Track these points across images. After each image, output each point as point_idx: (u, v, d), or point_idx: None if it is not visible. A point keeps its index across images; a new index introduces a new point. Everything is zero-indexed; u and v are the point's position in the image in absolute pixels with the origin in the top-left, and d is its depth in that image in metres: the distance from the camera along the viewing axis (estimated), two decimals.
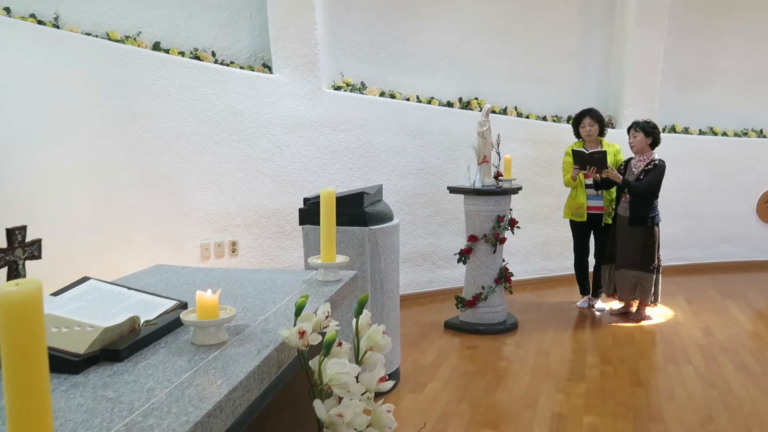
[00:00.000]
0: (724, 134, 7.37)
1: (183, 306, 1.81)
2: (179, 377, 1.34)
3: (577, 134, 5.50)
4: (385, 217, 3.81)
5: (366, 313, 1.75)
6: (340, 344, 1.66)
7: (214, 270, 2.50)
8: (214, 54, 5.03)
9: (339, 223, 3.69)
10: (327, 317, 1.66)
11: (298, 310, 1.62)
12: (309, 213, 3.72)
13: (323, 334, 1.60)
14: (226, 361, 1.45)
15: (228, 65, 5.01)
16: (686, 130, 7.28)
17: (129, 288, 1.92)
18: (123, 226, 4.36)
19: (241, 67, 5.08)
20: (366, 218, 3.64)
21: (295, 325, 1.62)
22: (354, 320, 1.78)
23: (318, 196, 3.93)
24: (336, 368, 1.57)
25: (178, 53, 4.80)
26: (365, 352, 1.70)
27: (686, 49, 7.17)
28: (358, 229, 3.64)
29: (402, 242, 5.73)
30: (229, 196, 4.88)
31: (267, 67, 5.17)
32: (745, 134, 7.43)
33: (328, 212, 2.33)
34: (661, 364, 4.31)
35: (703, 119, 7.39)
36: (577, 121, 5.47)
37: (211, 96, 4.73)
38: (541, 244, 6.61)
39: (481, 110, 5.09)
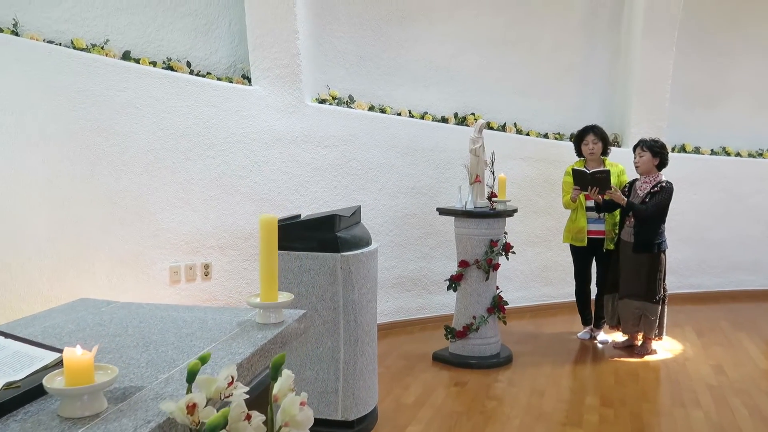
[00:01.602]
0: (737, 154, 6.99)
1: None
2: None
3: (579, 152, 5.15)
4: (361, 242, 3.45)
5: (287, 376, 1.39)
6: (248, 417, 1.30)
7: (143, 306, 2.15)
8: (189, 64, 4.72)
9: (308, 248, 3.37)
10: (231, 383, 1.30)
11: (190, 376, 1.26)
12: (278, 237, 3.36)
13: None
14: None
15: (204, 76, 4.69)
16: (697, 150, 6.90)
17: (6, 335, 1.58)
18: (83, 247, 4.03)
19: (219, 79, 4.76)
20: (338, 244, 3.29)
21: (188, 392, 1.27)
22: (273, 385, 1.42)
23: (292, 217, 3.61)
24: None
25: (150, 63, 4.49)
26: (279, 428, 1.34)
27: (697, 65, 6.81)
28: (330, 255, 3.29)
29: (391, 266, 5.39)
30: (201, 215, 4.54)
31: (247, 79, 4.86)
32: (760, 155, 7.04)
33: (268, 243, 1.98)
34: (667, 407, 3.90)
35: (714, 138, 7.01)
36: (579, 138, 5.12)
37: (183, 108, 4.42)
38: (541, 269, 6.22)
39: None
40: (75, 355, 1.24)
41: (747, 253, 6.95)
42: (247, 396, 1.29)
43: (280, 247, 3.35)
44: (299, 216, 3.69)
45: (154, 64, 4.52)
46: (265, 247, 1.97)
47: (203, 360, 1.31)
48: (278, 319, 1.97)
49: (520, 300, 6.09)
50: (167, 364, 1.57)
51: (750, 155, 7.02)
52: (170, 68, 4.58)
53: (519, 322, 5.75)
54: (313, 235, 3.33)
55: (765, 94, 7.01)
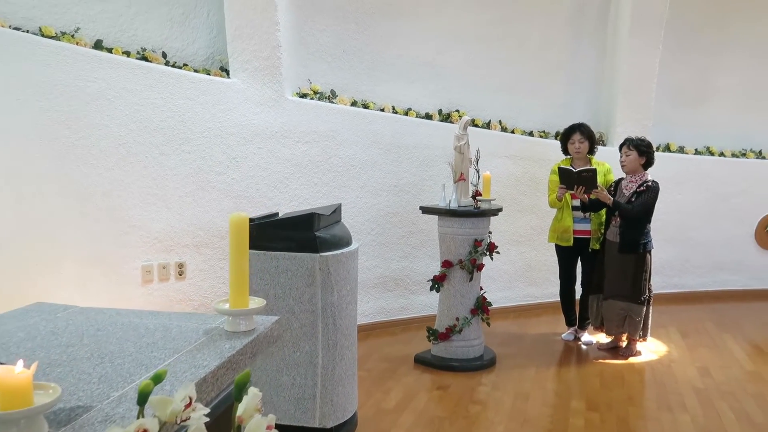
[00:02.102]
0: (722, 154, 6.95)
1: None
2: None
3: (565, 150, 5.06)
4: (341, 241, 3.32)
5: (253, 395, 1.26)
6: None
7: (103, 312, 2.00)
8: (165, 55, 4.55)
9: (286, 248, 3.22)
10: (189, 404, 1.16)
11: (141, 398, 1.12)
12: (252, 236, 3.21)
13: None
14: None
15: (181, 68, 4.52)
16: (681, 150, 6.85)
17: None
18: (49, 246, 3.84)
19: (196, 71, 4.60)
20: (317, 243, 3.15)
21: (140, 415, 1.14)
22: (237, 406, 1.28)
23: (269, 216, 3.46)
24: None
25: (123, 53, 4.31)
26: None
27: (682, 64, 6.76)
28: (308, 256, 3.15)
29: (373, 265, 5.26)
30: (176, 212, 4.38)
31: (225, 71, 4.70)
32: (744, 155, 7.01)
33: (238, 244, 1.85)
34: (653, 411, 3.81)
35: (699, 138, 6.97)
36: (566, 137, 5.02)
37: (157, 101, 4.24)
38: (525, 269, 6.13)
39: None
40: (11, 373, 1.09)
41: (731, 253, 6.91)
42: (207, 419, 1.16)
43: (257, 247, 3.25)
44: (277, 214, 3.55)
45: (127, 54, 4.35)
46: (235, 248, 1.84)
47: (157, 379, 1.17)
48: (249, 327, 1.83)
49: (504, 300, 5.99)
50: (122, 380, 1.42)
51: (734, 155, 6.98)
52: (145, 59, 4.41)
53: (503, 323, 5.65)
54: (290, 235, 3.19)
55: (749, 93, 6.98)
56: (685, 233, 6.75)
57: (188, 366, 1.52)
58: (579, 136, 4.92)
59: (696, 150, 6.90)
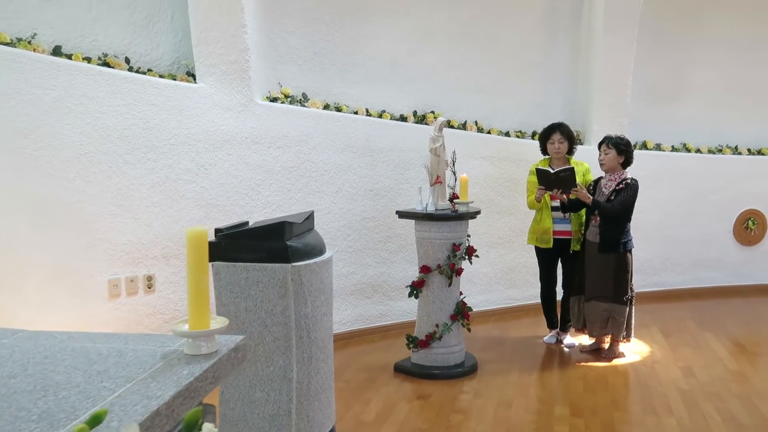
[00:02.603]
0: (698, 151, 6.94)
1: None
2: None
3: (544, 150, 4.98)
4: (314, 250, 3.19)
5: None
6: None
7: (54, 336, 1.85)
8: (128, 60, 4.39)
9: (256, 259, 3.08)
10: None
11: None
12: (220, 247, 3.08)
13: None
14: None
15: (145, 73, 4.36)
16: (658, 147, 6.83)
17: None
18: (9, 263, 3.66)
19: (161, 76, 4.44)
20: (288, 253, 3.01)
21: None
22: None
23: (238, 225, 3.32)
24: None
25: (83, 59, 4.14)
26: None
27: (657, 60, 6.74)
28: (279, 266, 3.02)
29: (349, 272, 5.14)
30: (143, 223, 4.21)
31: (192, 76, 4.54)
32: (720, 151, 7.01)
33: (197, 260, 1.71)
34: (638, 415, 3.73)
35: (675, 135, 6.96)
36: (545, 137, 4.94)
37: (120, 108, 4.08)
38: (505, 272, 6.04)
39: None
40: None
41: (709, 250, 6.90)
42: None
43: (226, 259, 3.10)
44: (247, 223, 3.41)
45: (88, 60, 4.18)
46: (193, 265, 1.70)
47: (95, 421, 1.04)
48: (210, 349, 1.70)
49: (484, 304, 5.90)
50: (66, 416, 1.28)
51: (710, 151, 6.97)
52: (106, 64, 4.24)
53: (483, 327, 5.55)
54: (261, 245, 3.05)
55: (725, 89, 6.98)
56: (664, 231, 6.72)
57: (140, 397, 1.38)
58: (559, 136, 4.85)
59: (672, 147, 6.88)
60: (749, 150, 7.05)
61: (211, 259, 3.11)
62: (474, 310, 5.71)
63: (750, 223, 6.92)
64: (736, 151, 7.03)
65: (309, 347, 3.13)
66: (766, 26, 6.91)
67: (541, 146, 5.00)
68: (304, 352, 3.12)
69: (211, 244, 3.11)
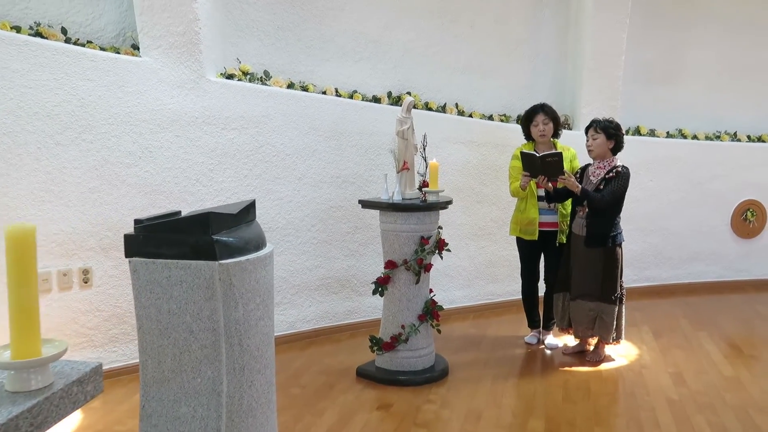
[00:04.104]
0: (695, 137, 6.52)
1: None
2: None
3: (528, 135, 4.57)
4: (248, 245, 2.77)
5: None
6: None
7: None
8: (65, 31, 3.95)
9: (179, 255, 2.63)
10: None
11: None
12: (138, 240, 2.67)
13: None
14: None
15: (84, 45, 3.93)
16: (652, 133, 6.41)
17: None
18: None
19: (103, 48, 4.01)
20: (214, 249, 2.60)
21: None
22: None
23: (161, 216, 2.90)
24: None
25: (12, 28, 3.71)
26: None
27: (651, 40, 6.31)
28: (204, 264, 2.59)
29: (315, 265, 4.74)
30: (77, 211, 3.80)
31: (138, 49, 4.11)
32: (718, 137, 6.59)
33: (20, 268, 1.30)
34: (621, 430, 3.34)
35: (670, 120, 6.54)
36: (528, 119, 4.53)
37: (50, 83, 3.65)
38: (486, 265, 5.64)
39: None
40: None
41: (706, 242, 6.52)
42: None
43: (145, 254, 2.68)
44: (178, 213, 2.99)
45: (18, 29, 3.74)
46: (15, 274, 1.29)
47: None
48: (44, 382, 1.30)
49: (463, 299, 5.52)
50: None
51: (707, 138, 6.56)
52: (39, 35, 3.81)
53: (460, 325, 5.17)
54: (184, 239, 2.63)
55: (723, 70, 6.57)
56: (657, 222, 6.33)
57: None
58: (543, 117, 4.44)
59: (668, 133, 6.47)
60: (749, 137, 6.64)
61: (129, 254, 2.70)
62: (452, 306, 5.40)
63: (749, 214, 6.52)
64: (734, 137, 6.61)
65: (241, 356, 2.72)
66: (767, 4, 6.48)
67: (523, 130, 4.60)
68: (235, 362, 2.71)
69: (128, 236, 2.70)
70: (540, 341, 4.75)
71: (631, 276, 6.14)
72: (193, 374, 2.71)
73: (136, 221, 2.73)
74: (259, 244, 2.87)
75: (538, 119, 4.46)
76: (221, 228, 2.70)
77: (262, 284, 2.81)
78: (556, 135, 4.56)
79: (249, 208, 3.04)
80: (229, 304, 2.65)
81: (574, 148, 4.67)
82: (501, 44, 5.77)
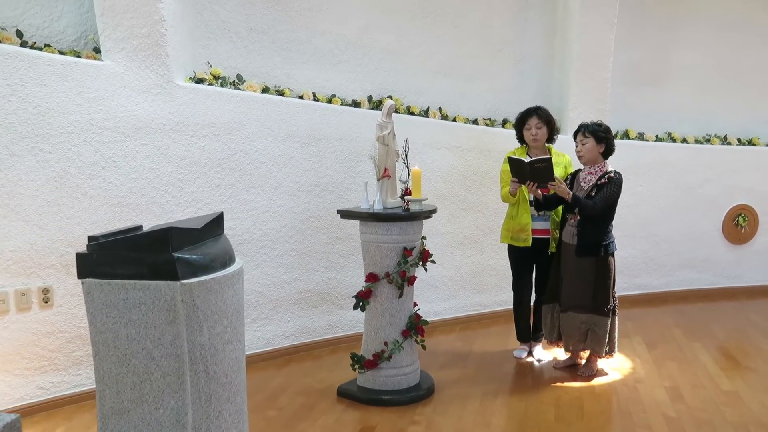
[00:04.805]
0: (684, 141, 6.37)
1: None
2: None
3: (521, 138, 4.38)
4: (214, 262, 2.54)
5: None
6: None
7: None
8: (20, 34, 3.71)
9: (136, 275, 2.40)
10: None
11: None
12: (93, 259, 2.43)
13: None
14: None
15: (41, 49, 3.68)
16: (641, 136, 6.25)
17: None
18: None
19: (62, 52, 3.76)
20: (175, 268, 2.37)
21: None
22: None
23: (121, 231, 2.67)
24: None
25: None
26: None
27: (640, 41, 6.17)
28: (165, 284, 2.37)
29: (293, 278, 4.52)
30: (35, 226, 3.54)
31: (100, 53, 3.87)
32: (708, 140, 6.45)
33: None
34: None
35: (659, 123, 6.39)
36: (520, 122, 4.35)
37: (4, 89, 3.39)
38: (472, 275, 5.43)
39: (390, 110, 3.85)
40: None
41: (697, 249, 6.36)
42: None
43: (99, 275, 2.44)
44: (140, 228, 2.76)
45: None
46: None
47: None
48: None
49: (449, 311, 5.31)
50: None
51: (697, 141, 6.42)
52: None
53: (446, 338, 4.95)
54: (141, 257, 2.40)
55: (713, 73, 6.43)
56: (647, 228, 6.16)
57: None
58: (536, 121, 4.26)
59: (657, 136, 6.32)
60: (739, 140, 6.51)
61: (82, 274, 2.46)
62: (438, 318, 5.20)
63: (740, 219, 6.37)
64: (725, 141, 6.47)
65: (207, 385, 2.49)
66: (758, 4, 6.35)
67: (517, 133, 4.42)
68: (201, 390, 2.48)
69: (80, 255, 2.46)
70: (529, 352, 4.55)
71: (621, 284, 5.95)
72: (156, 404, 2.48)
73: (90, 238, 2.50)
74: (226, 260, 2.65)
75: (531, 123, 4.28)
76: (183, 244, 2.48)
77: (229, 304, 2.58)
78: (550, 140, 4.38)
79: (216, 222, 2.81)
80: (193, 328, 2.42)
81: (569, 154, 4.48)
82: (485, 46, 5.58)
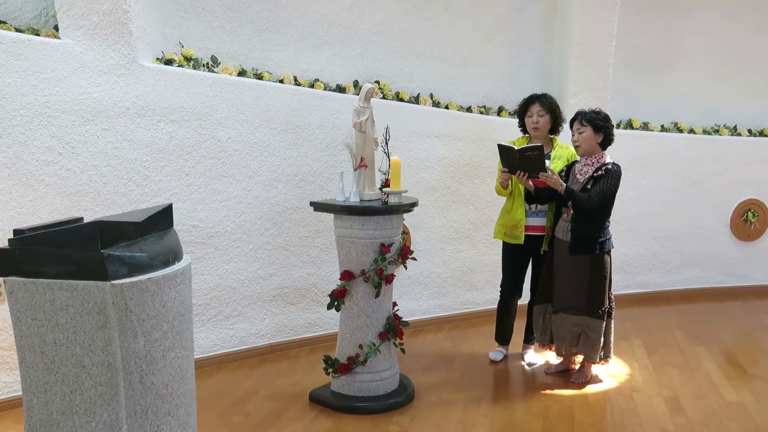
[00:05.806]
0: (691, 131, 6.06)
1: None
2: None
3: (524, 127, 4.09)
4: (154, 261, 2.27)
5: None
6: None
7: None
8: None
9: (63, 274, 2.13)
10: None
11: None
12: (15, 256, 2.17)
13: None
14: None
15: None
16: (645, 126, 5.93)
17: None
18: None
19: (19, 30, 3.50)
20: (104, 266, 2.10)
21: None
22: None
23: (52, 225, 2.40)
24: None
25: None
26: None
27: (645, 25, 5.85)
28: (94, 284, 2.11)
29: (269, 273, 4.26)
30: None
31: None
32: (716, 131, 6.12)
33: None
34: None
35: (664, 112, 6.08)
36: (523, 109, 4.06)
37: None
38: (462, 271, 5.15)
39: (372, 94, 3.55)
40: None
41: (702, 245, 6.06)
42: None
43: (23, 273, 2.17)
44: (80, 219, 2.49)
45: None
46: None
47: None
48: None
49: (437, 309, 5.04)
50: None
51: (705, 132, 6.10)
52: None
53: (433, 338, 4.69)
54: (68, 255, 2.13)
55: (721, 60, 6.09)
56: (651, 224, 5.86)
57: None
58: (538, 108, 3.96)
59: (662, 126, 6.00)
60: (749, 131, 6.18)
61: (4, 272, 2.20)
62: (424, 317, 4.94)
63: (750, 215, 6.06)
64: (734, 131, 6.15)
65: (143, 396, 2.23)
66: None
67: (519, 122, 4.13)
68: (136, 402, 2.22)
69: (2, 252, 2.21)
70: (505, 356, 4.29)
71: (621, 282, 5.68)
72: (87, 417, 2.23)
73: (16, 231, 2.24)
74: (169, 258, 2.37)
75: (533, 109, 3.98)
76: (118, 240, 2.20)
77: (170, 308, 2.31)
78: (555, 131, 4.08)
79: (163, 215, 2.53)
80: (126, 334, 2.16)
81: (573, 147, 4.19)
82: (480, 28, 5.27)
